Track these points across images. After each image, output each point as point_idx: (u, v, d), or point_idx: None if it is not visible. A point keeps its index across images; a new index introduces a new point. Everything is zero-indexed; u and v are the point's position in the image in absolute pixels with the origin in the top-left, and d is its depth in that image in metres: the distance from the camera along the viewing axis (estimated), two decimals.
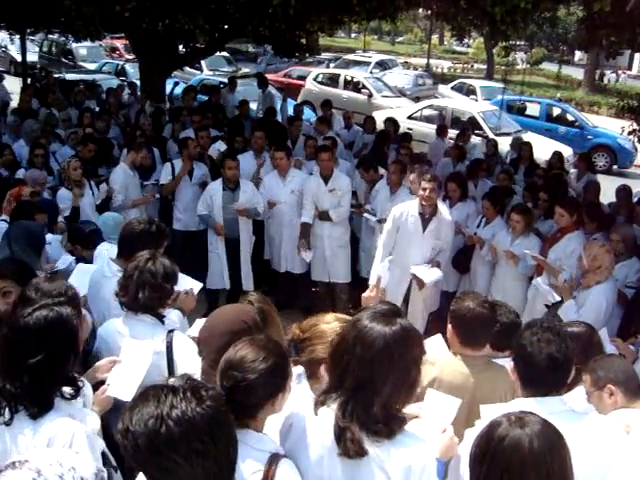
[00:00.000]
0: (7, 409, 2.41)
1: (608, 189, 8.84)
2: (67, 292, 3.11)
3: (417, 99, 20.83)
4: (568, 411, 2.55)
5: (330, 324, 2.56)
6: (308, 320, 2.69)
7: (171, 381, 1.79)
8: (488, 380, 3.16)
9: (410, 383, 2.16)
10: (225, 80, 15.82)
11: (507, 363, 3.43)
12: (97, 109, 11.13)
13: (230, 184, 6.92)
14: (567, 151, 14.12)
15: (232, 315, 2.73)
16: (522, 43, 41.21)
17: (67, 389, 2.57)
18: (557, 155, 9.82)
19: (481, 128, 14.98)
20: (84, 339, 3.17)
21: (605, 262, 5.03)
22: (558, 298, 5.42)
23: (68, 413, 2.53)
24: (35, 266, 4.04)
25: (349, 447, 2.08)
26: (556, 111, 19.17)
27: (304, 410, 2.29)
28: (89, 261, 4.75)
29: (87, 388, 2.99)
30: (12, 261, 3.91)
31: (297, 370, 2.59)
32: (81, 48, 22.87)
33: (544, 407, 2.45)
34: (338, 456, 2.12)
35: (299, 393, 2.45)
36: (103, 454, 2.69)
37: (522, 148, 10.10)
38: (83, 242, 5.14)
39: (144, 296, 3.38)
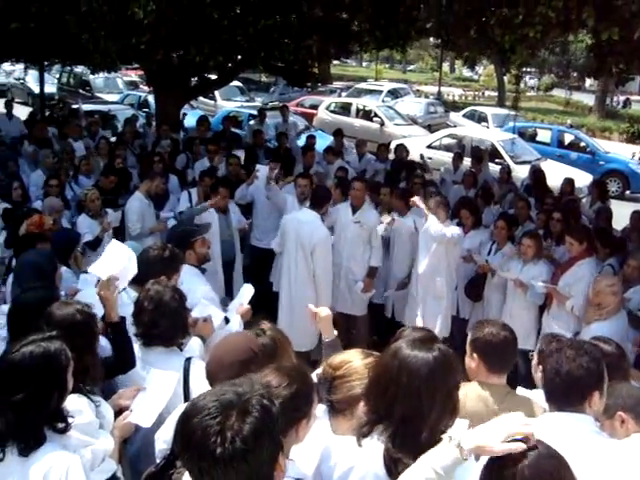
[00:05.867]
0: None
1: (622, 215, 8.80)
2: (75, 318, 3.04)
3: (429, 127, 20.93)
4: (595, 432, 2.57)
5: (365, 360, 2.56)
6: (336, 357, 2.68)
7: None
8: (509, 410, 3.15)
9: (453, 406, 2.22)
10: (254, 112, 16.25)
11: (529, 394, 3.45)
12: (112, 139, 11.32)
13: (221, 209, 7.25)
14: (587, 178, 13.64)
15: (238, 344, 2.74)
16: (532, 70, 41.53)
17: (59, 424, 2.54)
18: (568, 181, 9.80)
19: (501, 156, 14.91)
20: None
21: (606, 302, 4.96)
22: None
23: (62, 445, 2.52)
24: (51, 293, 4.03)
25: None
26: (568, 137, 19.13)
27: (341, 445, 2.29)
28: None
29: (108, 411, 3.03)
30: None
31: (320, 408, 2.58)
32: (98, 79, 23.30)
33: (573, 423, 2.50)
34: None
35: (319, 429, 2.45)
36: (114, 477, 2.73)
37: (535, 175, 10.13)
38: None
39: (162, 327, 3.40)
